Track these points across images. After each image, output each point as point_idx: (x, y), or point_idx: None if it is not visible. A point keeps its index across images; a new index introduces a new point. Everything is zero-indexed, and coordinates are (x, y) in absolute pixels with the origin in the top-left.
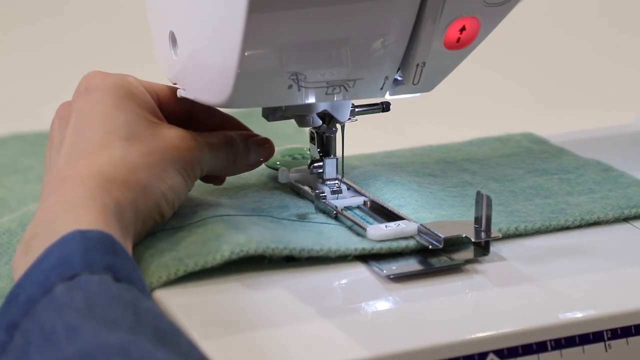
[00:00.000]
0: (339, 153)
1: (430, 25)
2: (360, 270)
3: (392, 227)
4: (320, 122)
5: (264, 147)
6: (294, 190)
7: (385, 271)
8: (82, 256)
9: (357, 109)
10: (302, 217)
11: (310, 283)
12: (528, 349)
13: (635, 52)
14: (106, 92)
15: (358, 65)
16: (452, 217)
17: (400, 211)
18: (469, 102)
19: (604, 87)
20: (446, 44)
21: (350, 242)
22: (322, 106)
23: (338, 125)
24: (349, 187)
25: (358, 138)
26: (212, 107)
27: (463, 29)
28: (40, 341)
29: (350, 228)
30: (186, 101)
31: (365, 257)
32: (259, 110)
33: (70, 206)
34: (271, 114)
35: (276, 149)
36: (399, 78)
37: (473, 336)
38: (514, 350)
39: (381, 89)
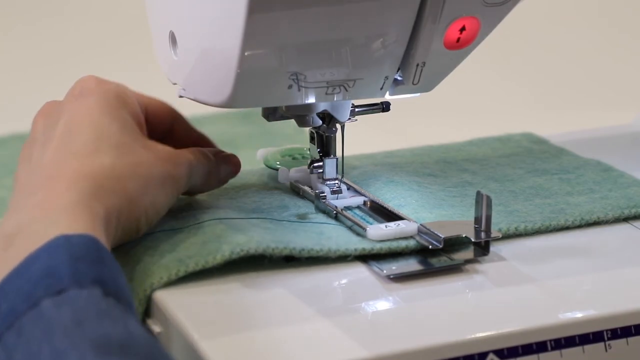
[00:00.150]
0: (338, 153)
1: (430, 25)
2: (360, 270)
3: (392, 227)
4: (320, 122)
5: (233, 162)
6: (294, 190)
7: (385, 271)
8: (69, 267)
9: (357, 109)
10: (302, 217)
11: (310, 283)
12: (528, 349)
13: (635, 52)
14: (101, 98)
15: (358, 65)
16: (452, 217)
17: (400, 211)
18: (469, 102)
19: (604, 87)
20: (446, 44)
21: (350, 242)
22: (322, 106)
23: (338, 125)
24: (349, 187)
25: (358, 138)
26: (191, 124)
27: (463, 29)
28: None
29: (350, 228)
30: (170, 116)
31: (365, 257)
32: (259, 110)
33: (61, 208)
34: (271, 114)
35: (276, 149)
36: (399, 78)
37: (473, 336)
38: (514, 350)
39: (381, 89)
